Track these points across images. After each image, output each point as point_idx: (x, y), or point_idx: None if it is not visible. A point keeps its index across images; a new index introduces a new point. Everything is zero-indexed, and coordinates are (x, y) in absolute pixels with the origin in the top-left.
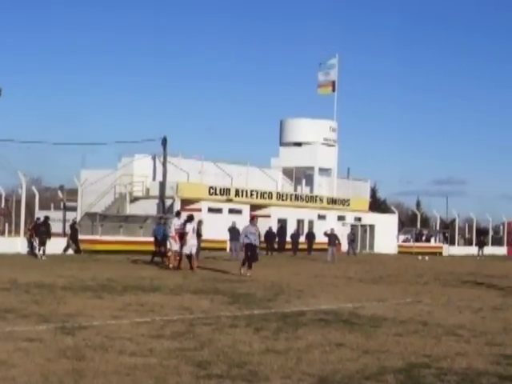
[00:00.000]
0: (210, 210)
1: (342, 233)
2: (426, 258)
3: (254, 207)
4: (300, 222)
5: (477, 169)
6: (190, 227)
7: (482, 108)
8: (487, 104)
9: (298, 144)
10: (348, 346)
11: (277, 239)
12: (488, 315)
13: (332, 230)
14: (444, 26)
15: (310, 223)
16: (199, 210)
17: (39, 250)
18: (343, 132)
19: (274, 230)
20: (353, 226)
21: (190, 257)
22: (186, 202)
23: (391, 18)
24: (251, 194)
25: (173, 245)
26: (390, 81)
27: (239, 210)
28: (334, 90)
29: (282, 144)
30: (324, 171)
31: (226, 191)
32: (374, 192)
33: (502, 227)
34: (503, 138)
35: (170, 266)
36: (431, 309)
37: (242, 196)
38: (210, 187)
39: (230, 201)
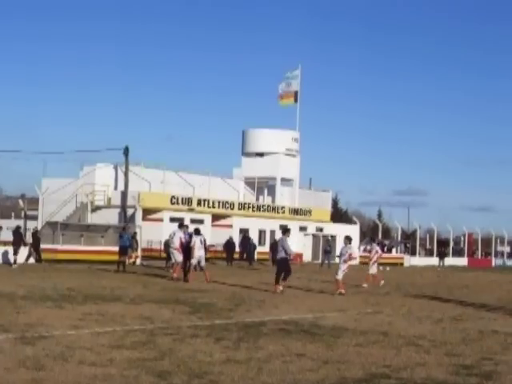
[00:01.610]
0: (172, 219)
1: (304, 243)
2: (387, 268)
3: (215, 217)
4: (262, 233)
5: (438, 180)
6: (197, 239)
7: (442, 118)
8: (447, 114)
9: (260, 154)
10: (309, 357)
11: (239, 249)
12: (448, 326)
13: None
14: (406, 34)
15: (272, 233)
16: (161, 219)
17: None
18: (305, 142)
19: (235, 240)
20: (329, 238)
21: (201, 269)
22: (147, 212)
23: (354, 28)
24: (213, 204)
25: (177, 256)
26: (352, 91)
27: (201, 220)
28: (296, 101)
29: (244, 154)
30: (286, 181)
31: (188, 201)
32: (335, 202)
33: (462, 238)
34: (464, 149)
35: (174, 275)
36: (392, 319)
37: (204, 206)
38: (172, 197)
39: (191, 210)
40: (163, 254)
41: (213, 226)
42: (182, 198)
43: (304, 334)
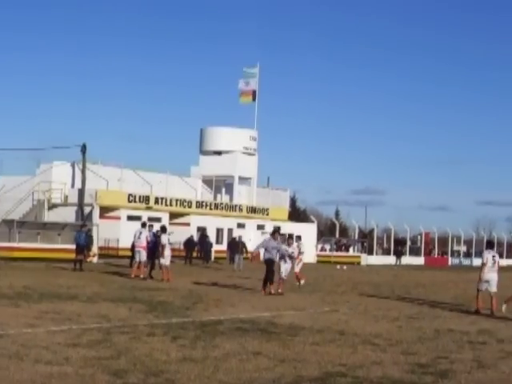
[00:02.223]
0: (129, 217)
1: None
2: (345, 267)
3: (173, 215)
4: (219, 231)
5: (395, 179)
6: (165, 238)
7: (399, 120)
8: (405, 117)
9: (218, 153)
10: (265, 355)
11: (197, 247)
12: (404, 324)
13: (239, 237)
14: (363, 38)
15: (230, 232)
16: (118, 217)
17: None
18: (263, 141)
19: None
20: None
21: (166, 267)
22: (105, 210)
23: (313, 30)
24: (171, 202)
25: (143, 255)
26: (310, 90)
27: (158, 218)
28: (254, 99)
29: (202, 152)
30: (244, 180)
31: (146, 199)
32: (293, 201)
33: (419, 237)
34: (421, 149)
35: (141, 275)
36: (348, 318)
37: (162, 204)
38: (130, 195)
39: (149, 208)
40: (121, 253)
41: (170, 224)
42: (140, 196)
43: (261, 332)
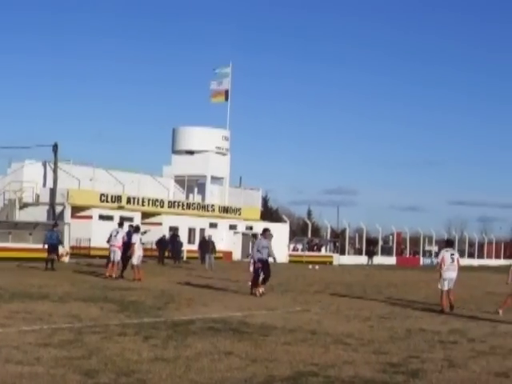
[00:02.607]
0: (101, 217)
1: (234, 241)
2: (317, 267)
3: (145, 215)
4: (191, 231)
5: (367, 179)
6: (137, 238)
7: (371, 120)
8: (377, 116)
9: (191, 152)
10: (237, 355)
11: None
12: (376, 324)
13: (209, 236)
14: (335, 38)
15: (202, 231)
16: (90, 217)
17: None
18: (236, 141)
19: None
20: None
21: (137, 267)
22: (76, 209)
23: (285, 30)
24: (143, 202)
25: (118, 255)
26: (282, 91)
27: (130, 218)
28: (226, 99)
29: (174, 152)
30: (216, 180)
31: (118, 198)
32: (265, 201)
33: (391, 237)
34: (392, 150)
35: (113, 275)
36: (320, 318)
37: (134, 204)
38: (102, 194)
39: (121, 208)
40: (92, 252)
41: (142, 224)
42: (112, 196)
43: (232, 332)
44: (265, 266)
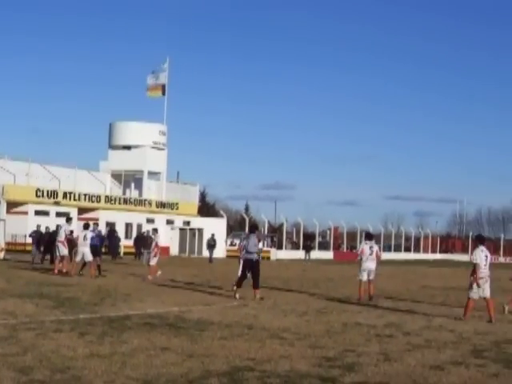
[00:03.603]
0: (37, 212)
1: (171, 236)
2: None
3: (82, 210)
4: (128, 226)
5: (304, 175)
6: (81, 235)
7: (308, 114)
8: (314, 110)
9: (128, 147)
10: (173, 350)
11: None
12: (312, 318)
13: (148, 232)
14: (272, 34)
15: (139, 227)
16: (26, 212)
17: None
18: (173, 136)
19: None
20: (196, 231)
21: (87, 264)
22: (12, 205)
23: (222, 27)
24: (79, 197)
25: (62, 250)
26: (220, 86)
27: (67, 213)
28: (163, 94)
29: (111, 147)
30: (153, 175)
31: (54, 194)
32: (203, 196)
33: (328, 232)
34: (329, 145)
35: (64, 270)
36: (257, 312)
37: (70, 199)
38: (38, 190)
39: (57, 204)
40: (28, 248)
41: (79, 219)
42: (48, 191)
43: (169, 327)
44: (254, 266)
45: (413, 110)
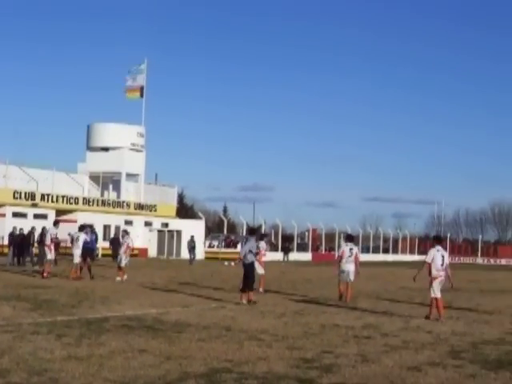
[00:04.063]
0: (15, 214)
1: (149, 238)
2: (233, 263)
3: (60, 212)
4: (106, 228)
5: (282, 176)
6: (74, 236)
7: (286, 115)
8: (292, 111)
9: (105, 149)
10: (151, 352)
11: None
12: (290, 320)
13: (124, 232)
14: (249, 36)
15: (117, 228)
16: (3, 215)
17: None
18: (151, 138)
19: None
20: (174, 233)
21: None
22: None
23: (201, 30)
24: (57, 199)
25: (48, 254)
26: (198, 88)
27: (45, 215)
28: (142, 96)
29: (89, 149)
30: (131, 176)
31: (32, 196)
32: (181, 198)
33: (306, 233)
34: (307, 147)
35: (45, 274)
36: (235, 314)
37: (48, 201)
38: (15, 191)
39: (35, 206)
40: (6, 250)
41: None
42: (26, 193)
43: (147, 329)
44: (251, 270)
45: (391, 112)
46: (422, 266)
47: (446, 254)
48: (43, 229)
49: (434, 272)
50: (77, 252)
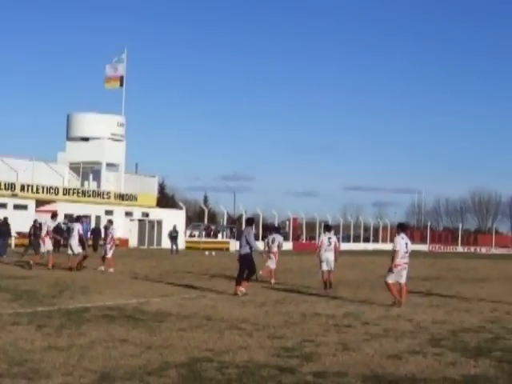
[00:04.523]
0: None
1: (130, 228)
2: (213, 253)
3: (40, 202)
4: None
5: (263, 165)
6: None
7: (266, 104)
8: (272, 100)
9: (85, 139)
10: (131, 342)
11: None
12: (271, 309)
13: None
14: (226, 27)
15: (97, 218)
16: None
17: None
18: (131, 127)
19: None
20: (155, 222)
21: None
22: None
23: (182, 18)
24: (37, 189)
25: (42, 246)
26: (178, 77)
27: (24, 206)
28: (122, 85)
29: (68, 139)
30: (112, 166)
31: (11, 186)
32: (161, 187)
33: (287, 223)
34: (288, 135)
35: (49, 266)
36: (216, 303)
37: (28, 191)
38: None
39: (15, 196)
40: None
41: (37, 211)
42: (5, 184)
43: (127, 319)
44: (246, 261)
45: (372, 100)
46: (393, 255)
47: (410, 242)
48: (35, 221)
49: (398, 259)
50: (73, 242)
